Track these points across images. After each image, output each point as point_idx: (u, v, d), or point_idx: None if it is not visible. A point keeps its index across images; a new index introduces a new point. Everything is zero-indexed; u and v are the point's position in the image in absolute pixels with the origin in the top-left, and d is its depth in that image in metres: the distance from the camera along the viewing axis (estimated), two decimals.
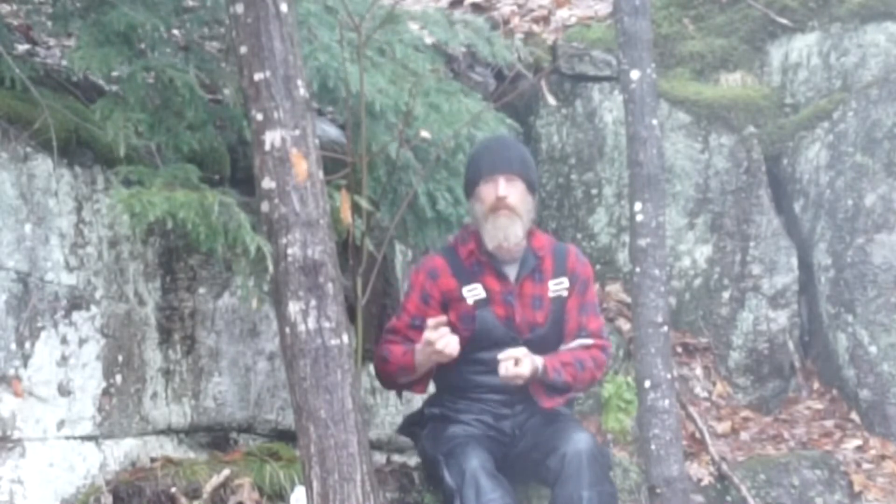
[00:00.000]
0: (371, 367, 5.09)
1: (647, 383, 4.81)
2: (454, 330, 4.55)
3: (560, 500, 4.37)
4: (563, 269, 4.69)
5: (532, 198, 4.67)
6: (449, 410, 4.62)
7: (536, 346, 4.55)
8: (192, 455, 4.66)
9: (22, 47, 4.82)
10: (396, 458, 5.07)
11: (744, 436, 6.11)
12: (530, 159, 4.77)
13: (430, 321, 4.47)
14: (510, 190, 4.57)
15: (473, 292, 4.62)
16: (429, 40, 5.66)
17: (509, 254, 4.62)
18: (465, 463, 4.35)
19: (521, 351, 4.48)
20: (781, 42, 6.80)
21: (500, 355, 4.46)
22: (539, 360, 4.50)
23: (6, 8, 4.75)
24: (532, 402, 4.63)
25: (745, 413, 6.24)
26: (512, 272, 4.64)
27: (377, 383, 5.11)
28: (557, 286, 4.66)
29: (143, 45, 4.46)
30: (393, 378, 4.66)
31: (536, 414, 4.62)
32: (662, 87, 6.05)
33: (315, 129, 4.04)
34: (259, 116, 3.97)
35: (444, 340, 4.43)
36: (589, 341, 4.66)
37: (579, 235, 6.52)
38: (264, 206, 3.98)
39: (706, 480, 5.73)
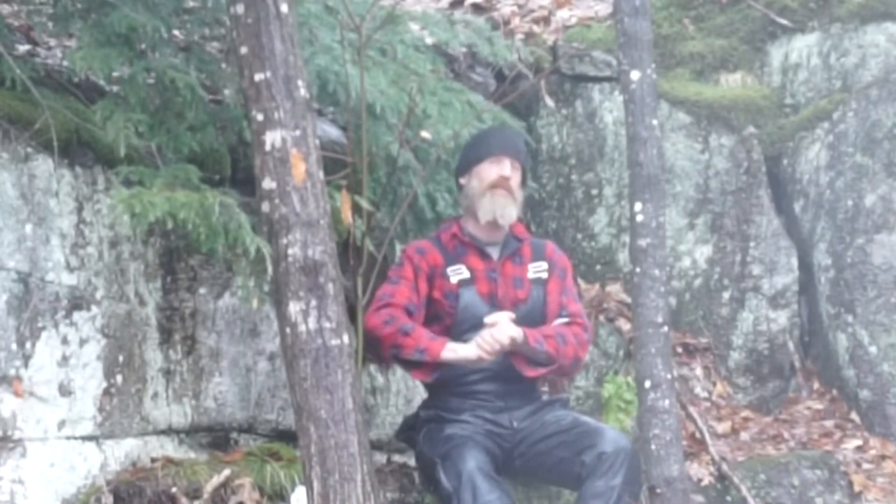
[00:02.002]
0: (372, 367, 5.09)
1: (648, 383, 4.82)
2: (438, 306, 4.63)
3: (591, 493, 4.37)
4: (542, 255, 4.78)
5: (523, 191, 4.81)
6: (443, 411, 4.61)
7: (520, 323, 4.58)
8: (192, 455, 4.67)
9: (23, 48, 4.83)
10: (397, 458, 5.07)
11: (744, 436, 6.10)
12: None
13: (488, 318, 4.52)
14: (513, 174, 4.69)
15: (457, 272, 4.67)
16: (429, 40, 5.67)
17: (492, 236, 4.70)
18: (462, 465, 4.34)
19: (503, 315, 4.52)
20: (781, 42, 6.80)
21: (487, 319, 4.51)
22: (520, 330, 4.53)
23: (7, 8, 4.76)
24: (527, 395, 4.65)
25: (745, 413, 6.24)
26: (494, 252, 4.72)
27: (378, 383, 5.12)
28: (537, 269, 4.74)
29: (143, 46, 4.46)
30: (399, 350, 4.53)
31: (544, 414, 4.62)
32: (662, 87, 6.04)
33: (315, 130, 4.05)
34: (259, 117, 3.98)
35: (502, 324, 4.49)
36: (568, 320, 4.68)
37: (579, 236, 6.52)
38: (265, 207, 3.98)
39: (706, 480, 5.73)
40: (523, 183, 4.77)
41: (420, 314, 4.62)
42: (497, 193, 4.64)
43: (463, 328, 4.61)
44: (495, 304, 4.62)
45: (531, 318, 4.63)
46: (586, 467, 4.39)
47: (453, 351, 4.52)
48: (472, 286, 4.64)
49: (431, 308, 4.65)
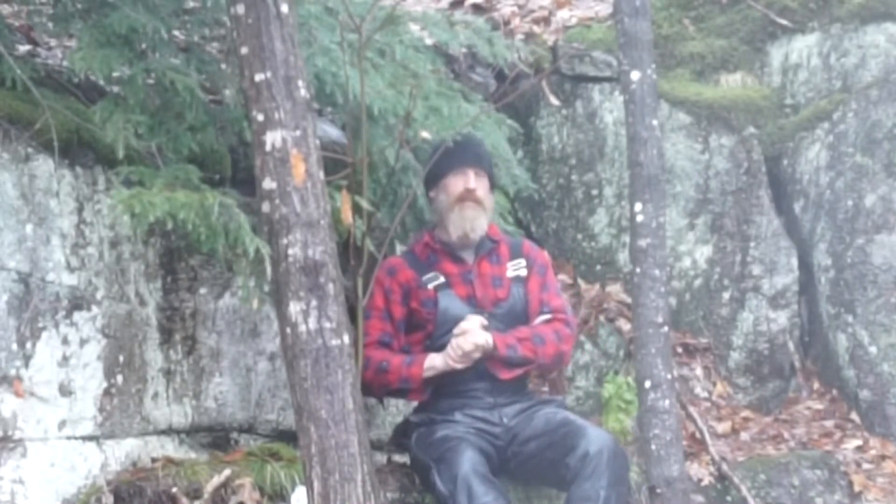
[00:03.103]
0: None
1: (648, 383, 4.82)
2: (418, 315, 4.68)
3: (577, 496, 4.38)
4: (519, 253, 4.83)
5: (492, 195, 4.86)
6: (434, 413, 4.65)
7: (502, 320, 4.66)
8: (192, 455, 4.67)
9: (23, 48, 4.83)
10: (397, 458, 5.07)
11: (744, 436, 6.10)
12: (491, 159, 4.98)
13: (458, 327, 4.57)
14: (478, 184, 4.73)
15: (432, 280, 4.72)
16: (429, 41, 5.66)
17: (465, 241, 4.73)
18: (457, 468, 4.36)
19: (474, 322, 4.56)
20: (781, 43, 6.80)
21: (455, 329, 4.56)
22: (488, 336, 4.58)
23: (7, 9, 4.76)
24: (517, 391, 4.70)
25: (746, 413, 6.24)
26: (469, 256, 4.76)
27: None
28: (515, 267, 4.78)
29: (143, 47, 4.47)
30: (388, 387, 4.69)
31: (535, 411, 4.63)
32: (663, 87, 6.04)
33: (316, 130, 4.05)
34: (260, 117, 3.98)
35: (473, 331, 4.54)
36: (549, 316, 4.73)
37: (580, 236, 6.52)
38: (265, 207, 3.99)
39: (706, 480, 5.73)
40: (492, 186, 4.84)
41: (398, 337, 4.71)
42: (465, 207, 4.70)
43: (443, 331, 4.66)
44: (475, 306, 4.68)
45: (512, 315, 4.69)
46: (571, 470, 4.41)
47: (432, 368, 4.61)
48: (448, 290, 4.69)
49: (412, 319, 4.72)
